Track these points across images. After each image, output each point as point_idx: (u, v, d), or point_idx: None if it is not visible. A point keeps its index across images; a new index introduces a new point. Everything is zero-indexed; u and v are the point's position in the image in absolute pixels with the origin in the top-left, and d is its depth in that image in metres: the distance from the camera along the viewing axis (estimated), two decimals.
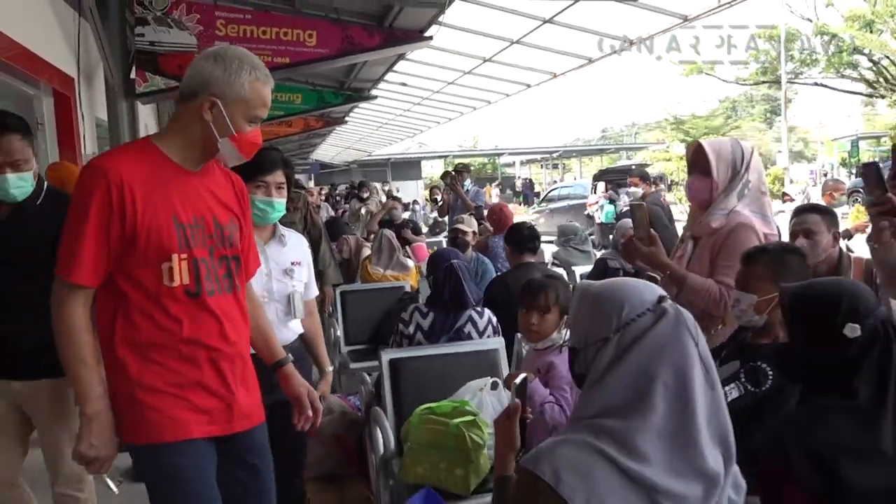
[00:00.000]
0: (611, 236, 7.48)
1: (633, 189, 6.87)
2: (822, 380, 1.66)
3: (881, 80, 24.28)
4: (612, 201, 10.34)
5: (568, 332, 2.49)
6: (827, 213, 3.10)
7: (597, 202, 11.65)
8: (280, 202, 2.74)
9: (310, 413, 2.22)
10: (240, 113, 1.90)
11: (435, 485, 2.65)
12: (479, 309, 3.44)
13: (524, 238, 4.19)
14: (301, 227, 4.41)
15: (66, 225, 1.85)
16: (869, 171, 2.18)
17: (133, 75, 7.22)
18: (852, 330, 1.59)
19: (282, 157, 2.78)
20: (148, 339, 1.85)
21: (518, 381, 1.79)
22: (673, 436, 1.39)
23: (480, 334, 3.35)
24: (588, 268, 5.75)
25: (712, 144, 2.84)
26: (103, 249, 1.81)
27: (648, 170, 22.36)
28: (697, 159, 2.84)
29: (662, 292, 1.49)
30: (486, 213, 7.41)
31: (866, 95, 25.96)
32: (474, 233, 5.38)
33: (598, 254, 6.32)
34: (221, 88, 1.87)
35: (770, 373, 2.22)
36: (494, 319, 3.44)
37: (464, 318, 3.37)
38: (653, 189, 7.67)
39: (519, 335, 3.45)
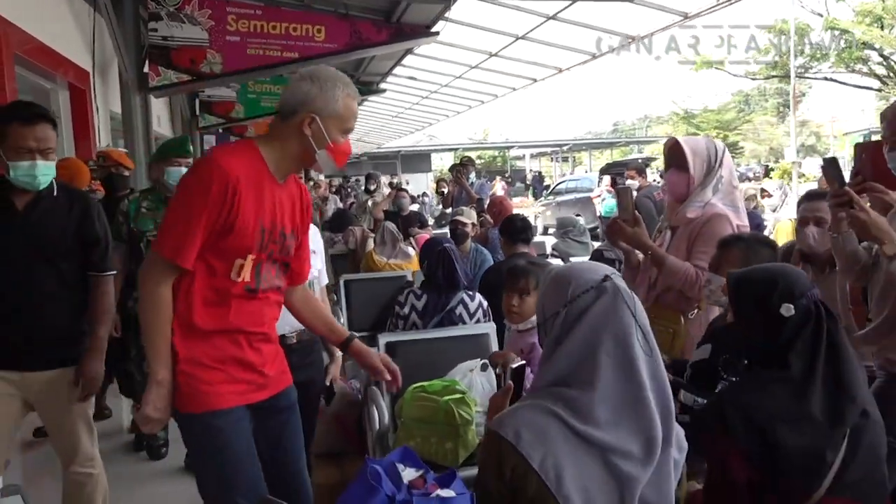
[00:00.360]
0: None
1: (629, 182, 7.05)
2: (760, 354, 1.85)
3: (892, 74, 24.22)
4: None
5: None
6: None
7: (599, 195, 11.78)
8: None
9: (388, 376, 2.45)
10: (335, 126, 2.11)
11: (426, 457, 2.84)
12: (470, 293, 3.65)
13: (517, 229, 4.41)
14: None
15: (176, 209, 2.03)
16: (829, 166, 2.35)
17: (146, 69, 7.42)
18: (787, 310, 1.77)
19: None
20: (199, 321, 2.07)
21: (514, 366, 1.97)
22: (620, 399, 1.57)
23: (471, 316, 3.55)
24: (586, 258, 5.92)
25: (688, 142, 3.02)
26: (204, 237, 2.02)
27: (656, 163, 22.36)
28: (674, 155, 3.02)
29: (609, 272, 1.68)
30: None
31: (876, 90, 25.90)
32: (473, 224, 5.56)
33: (597, 245, 6.50)
34: (319, 105, 2.07)
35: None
36: (485, 304, 3.64)
37: (455, 299, 3.58)
38: (648, 182, 7.87)
39: None
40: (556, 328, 1.65)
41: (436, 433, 2.85)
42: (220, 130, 15.13)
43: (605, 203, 10.80)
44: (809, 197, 3.14)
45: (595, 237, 12.59)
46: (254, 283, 2.13)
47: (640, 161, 15.38)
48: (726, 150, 3.06)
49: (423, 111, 18.49)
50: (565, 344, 1.62)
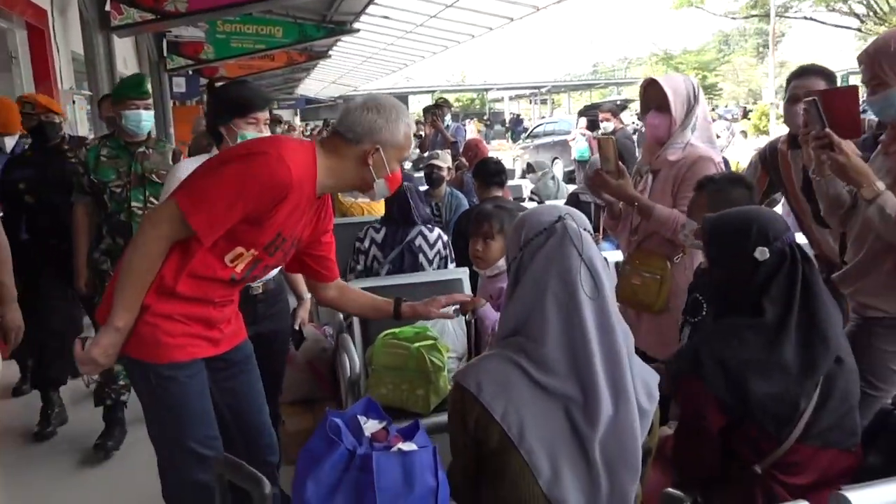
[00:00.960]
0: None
1: (605, 124, 6.96)
2: (735, 300, 1.80)
3: (871, 13, 24.06)
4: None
5: None
6: (830, 78, 2.92)
7: (574, 138, 11.57)
8: None
9: (449, 311, 2.46)
10: (394, 156, 2.10)
11: (397, 405, 2.82)
12: (429, 226, 3.68)
13: (490, 172, 4.30)
14: None
15: (227, 187, 1.92)
16: (811, 107, 2.28)
17: (108, 7, 7.11)
18: (762, 253, 1.72)
19: (266, 93, 2.90)
20: (181, 288, 2.03)
21: None
22: (567, 345, 1.51)
23: (431, 247, 3.59)
24: (561, 201, 5.86)
25: (667, 81, 2.91)
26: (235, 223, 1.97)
27: (634, 105, 22.24)
28: (654, 96, 2.92)
29: (563, 212, 1.61)
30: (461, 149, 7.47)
31: (855, 30, 25.75)
32: (449, 168, 5.46)
33: (572, 188, 6.44)
34: (384, 137, 2.05)
35: (704, 302, 2.37)
36: (445, 237, 3.69)
37: (414, 231, 3.61)
38: (623, 125, 7.72)
39: None
40: (513, 273, 1.60)
41: (407, 380, 2.81)
42: (190, 72, 14.73)
43: (578, 146, 10.58)
44: (800, 73, 2.98)
45: (571, 180, 12.51)
46: (241, 275, 2.11)
47: (616, 103, 15.21)
48: (699, 85, 2.98)
49: (399, 52, 18.13)
50: (518, 289, 1.58)
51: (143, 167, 3.69)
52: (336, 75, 26.11)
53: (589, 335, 1.51)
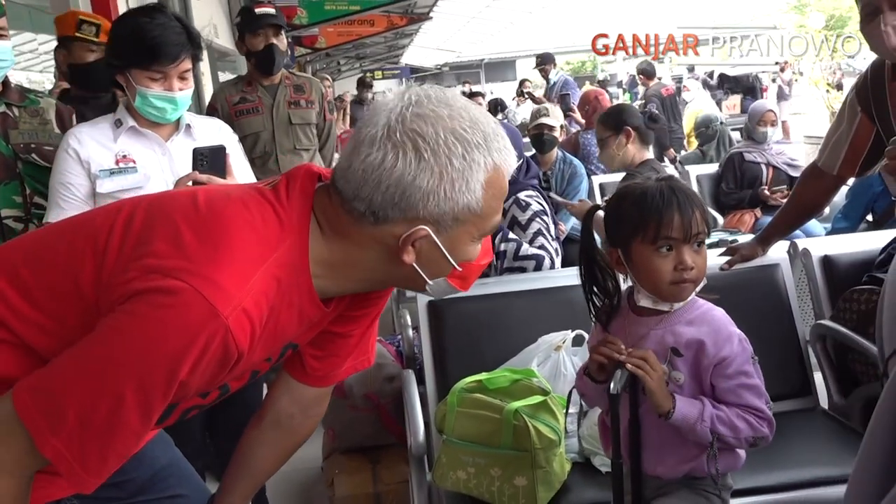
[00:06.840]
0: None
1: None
2: None
3: None
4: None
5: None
6: None
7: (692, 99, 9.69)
8: (184, 96, 1.88)
9: None
10: (466, 234, 1.02)
11: (485, 500, 1.76)
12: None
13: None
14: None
15: (106, 380, 0.91)
16: None
17: None
18: None
19: (187, 32, 1.83)
20: None
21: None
22: None
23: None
24: (711, 168, 4.62)
25: None
26: None
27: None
28: None
29: None
30: (574, 104, 6.25)
31: None
32: (562, 126, 4.27)
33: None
34: (435, 208, 0.96)
35: None
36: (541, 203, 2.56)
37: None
38: (652, 82, 7.20)
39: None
40: None
41: (498, 462, 1.74)
42: (289, 41, 14.12)
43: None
44: None
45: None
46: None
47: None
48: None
49: (503, 8, 16.98)
50: None
51: (11, 140, 2.04)
52: (439, 41, 25.11)
53: None
